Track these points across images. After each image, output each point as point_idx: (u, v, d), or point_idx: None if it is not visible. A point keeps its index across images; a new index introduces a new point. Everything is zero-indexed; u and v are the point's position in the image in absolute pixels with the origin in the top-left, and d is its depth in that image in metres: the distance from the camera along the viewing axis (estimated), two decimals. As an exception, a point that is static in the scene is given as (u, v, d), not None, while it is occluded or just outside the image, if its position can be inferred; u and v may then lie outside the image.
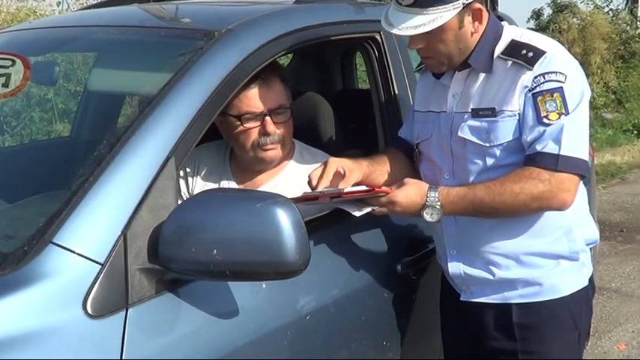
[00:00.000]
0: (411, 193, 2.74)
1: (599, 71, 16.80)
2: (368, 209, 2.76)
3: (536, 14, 19.10)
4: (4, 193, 3.15)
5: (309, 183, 2.80)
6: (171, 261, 2.25)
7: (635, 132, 15.53)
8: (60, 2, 10.80)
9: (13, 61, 3.12)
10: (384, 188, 2.76)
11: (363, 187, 2.76)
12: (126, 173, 2.31)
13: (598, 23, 17.33)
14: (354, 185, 2.79)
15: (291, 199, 2.72)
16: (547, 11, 18.76)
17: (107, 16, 3.61)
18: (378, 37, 3.44)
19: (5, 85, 3.06)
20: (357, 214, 2.75)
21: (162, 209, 2.31)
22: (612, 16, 18.91)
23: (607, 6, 19.03)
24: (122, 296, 2.20)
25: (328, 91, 4.69)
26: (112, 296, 2.17)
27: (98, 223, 2.22)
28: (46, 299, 2.08)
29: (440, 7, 2.66)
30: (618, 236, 8.61)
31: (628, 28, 18.86)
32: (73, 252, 2.15)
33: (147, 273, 2.26)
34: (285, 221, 2.19)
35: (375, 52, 3.46)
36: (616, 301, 6.84)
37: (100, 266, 2.16)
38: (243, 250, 2.20)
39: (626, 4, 21.14)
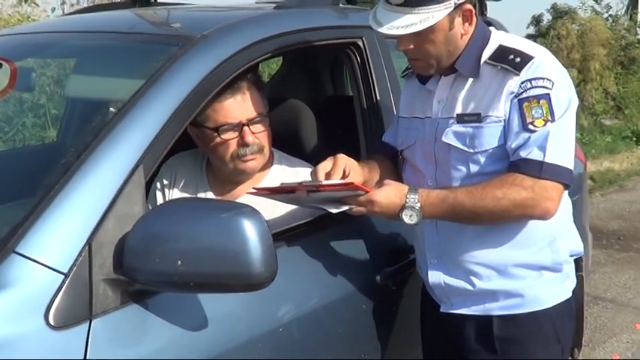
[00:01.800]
0: (390, 193, 2.68)
1: (598, 77, 16.73)
2: (345, 207, 2.69)
3: (536, 20, 19.07)
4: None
5: (314, 175, 2.75)
6: (136, 272, 2.20)
7: (634, 139, 15.47)
8: (54, 8, 10.83)
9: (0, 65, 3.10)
10: (362, 185, 2.69)
11: (341, 181, 2.70)
12: (92, 181, 2.27)
13: (597, 29, 17.29)
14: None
15: (268, 188, 2.72)
16: (547, 17, 18.75)
17: (86, 22, 3.58)
18: (360, 43, 3.40)
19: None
20: (334, 211, 2.69)
21: (129, 219, 2.26)
22: (612, 22, 18.87)
23: (606, 12, 18.98)
24: (86, 307, 2.15)
25: (317, 98, 4.66)
26: (75, 307, 2.13)
27: (62, 232, 2.17)
28: (6, 309, 2.04)
29: (431, 7, 2.62)
30: (615, 244, 8.54)
31: (627, 34, 18.81)
32: (36, 261, 2.10)
33: (112, 284, 2.21)
34: (251, 232, 2.15)
35: (357, 58, 3.42)
36: (611, 311, 6.77)
37: (63, 276, 2.11)
38: (208, 262, 2.15)
39: (627, 10, 21.12)
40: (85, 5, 10.09)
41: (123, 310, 2.23)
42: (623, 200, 10.50)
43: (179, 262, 2.14)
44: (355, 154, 3.10)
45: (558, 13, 18.15)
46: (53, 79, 6.45)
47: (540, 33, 17.77)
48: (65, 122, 4.28)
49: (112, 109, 2.50)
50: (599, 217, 9.18)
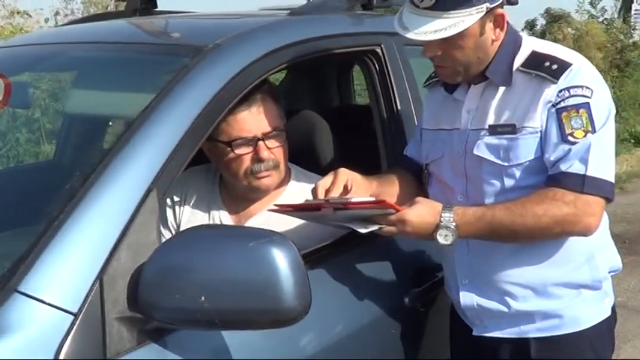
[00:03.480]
0: (423, 212, 2.51)
1: (595, 81, 16.75)
2: (375, 227, 2.51)
3: (530, 25, 19.13)
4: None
5: (314, 192, 2.60)
6: (153, 308, 2.01)
7: (633, 141, 15.57)
8: (47, 19, 10.71)
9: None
10: (393, 204, 2.51)
11: (372, 199, 2.54)
12: (102, 208, 2.07)
13: (593, 33, 17.42)
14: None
15: (292, 205, 2.55)
16: (541, 22, 18.81)
17: (86, 32, 3.40)
18: (378, 51, 3.24)
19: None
20: (363, 231, 2.51)
21: (144, 249, 2.07)
22: (607, 26, 18.94)
23: (602, 15, 19.05)
24: (99, 349, 1.96)
25: (325, 108, 4.50)
26: (87, 350, 1.93)
27: (70, 267, 1.97)
28: (12, 355, 1.82)
29: (462, 11, 2.46)
30: (621, 248, 8.26)
31: (622, 37, 18.89)
32: (42, 301, 1.90)
33: (126, 322, 2.02)
34: (282, 262, 1.96)
35: (375, 66, 3.26)
36: (622, 316, 6.52)
37: (72, 317, 1.92)
38: (235, 296, 1.96)
39: (619, 13, 21.21)
40: (80, 16, 9.99)
41: (139, 350, 2.04)
42: (625, 203, 10.42)
43: (202, 297, 1.95)
44: (376, 168, 2.97)
45: (552, 17, 18.24)
46: (47, 93, 6.29)
47: (535, 37, 17.76)
48: (64, 139, 4.08)
49: (120, 126, 2.31)
50: (603, 221, 8.97)
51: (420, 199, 2.57)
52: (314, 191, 2.60)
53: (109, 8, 10.81)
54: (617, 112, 11.30)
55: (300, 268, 2.00)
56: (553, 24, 17.89)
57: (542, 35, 17.77)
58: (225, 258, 2.00)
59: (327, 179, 2.61)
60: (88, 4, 11.64)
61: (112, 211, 2.08)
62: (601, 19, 19.12)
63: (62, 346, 1.88)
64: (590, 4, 18.82)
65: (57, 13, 11.00)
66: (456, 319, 2.92)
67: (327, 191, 2.57)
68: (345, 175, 2.62)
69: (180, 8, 4.07)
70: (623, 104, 17.00)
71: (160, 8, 3.99)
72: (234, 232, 2.29)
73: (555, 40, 16.74)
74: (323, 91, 4.85)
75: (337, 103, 4.85)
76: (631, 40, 19.18)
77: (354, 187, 2.62)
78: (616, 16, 20.59)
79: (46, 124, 6.69)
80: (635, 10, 20.30)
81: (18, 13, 10.33)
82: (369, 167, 3.06)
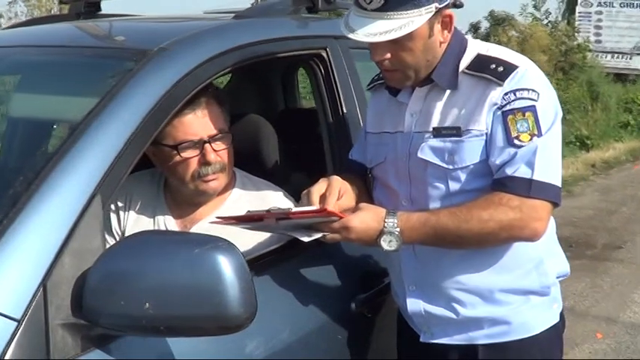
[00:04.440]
0: (367, 218, 2.48)
1: (540, 83, 16.89)
2: (319, 235, 2.48)
3: (474, 28, 19.21)
4: None
5: (306, 197, 2.56)
6: (98, 315, 1.98)
7: (578, 144, 15.65)
8: (-9, 21, 10.59)
9: None
10: (337, 211, 2.48)
11: (313, 207, 2.50)
12: (45, 214, 2.03)
13: (537, 35, 17.51)
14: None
15: (234, 217, 2.52)
16: (485, 24, 18.90)
17: (28, 36, 3.35)
18: (324, 54, 3.22)
19: None
20: (306, 239, 2.48)
21: (88, 254, 2.04)
22: (551, 28, 19.08)
23: (546, 18, 19.20)
24: (43, 356, 1.93)
25: (270, 112, 4.44)
26: (31, 356, 1.90)
27: (13, 273, 1.94)
28: (-49, 364, 1.80)
29: (411, 12, 2.42)
30: (567, 252, 8.36)
31: (567, 39, 19.04)
32: (-16, 308, 1.87)
33: (71, 328, 1.99)
34: (227, 268, 1.94)
35: (321, 70, 3.24)
36: (570, 321, 6.54)
37: (16, 323, 1.89)
38: (180, 303, 1.94)
39: (563, 15, 21.38)
40: (24, 19, 9.87)
41: (84, 356, 2.02)
42: (572, 206, 10.51)
43: (147, 304, 1.93)
44: (321, 172, 2.93)
45: (496, 20, 18.33)
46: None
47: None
48: (7, 144, 4.02)
49: (63, 130, 2.27)
50: (549, 225, 9.03)
51: (363, 205, 2.55)
52: (307, 196, 2.57)
53: (52, 11, 10.70)
54: (562, 115, 11.35)
55: (245, 274, 1.98)
56: (497, 27, 17.98)
57: (486, 38, 17.88)
58: (169, 264, 1.97)
59: (322, 185, 2.58)
60: (32, 8, 11.52)
61: (56, 216, 2.04)
62: (545, 21, 19.25)
63: (5, 353, 1.85)
64: (534, 7, 18.96)
65: (0, 16, 10.87)
66: (403, 325, 2.90)
67: (322, 197, 2.54)
68: (339, 182, 2.59)
69: (125, 12, 4.03)
70: (569, 107, 17.14)
71: (104, 12, 3.95)
72: (179, 238, 2.26)
73: (500, 44, 16.93)
74: (268, 95, 4.80)
75: (282, 107, 4.82)
76: (575, 43, 19.32)
77: (345, 195, 2.60)
78: (560, 18, 20.76)
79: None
80: (579, 12, 20.48)
81: (-40, 16, 10.20)
82: (314, 171, 3.06)
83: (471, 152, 2.52)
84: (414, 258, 2.69)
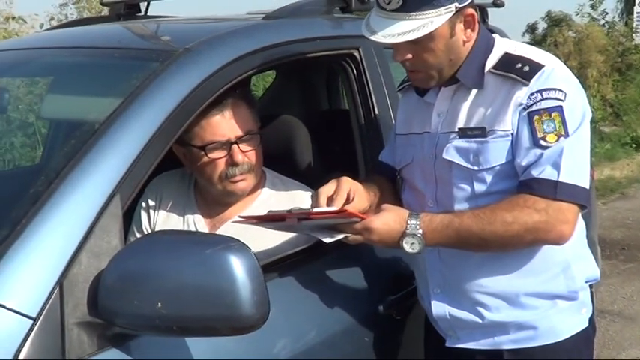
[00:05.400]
0: (389, 219, 2.46)
1: (595, 84, 16.76)
2: (341, 236, 2.48)
3: (531, 28, 19.08)
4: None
5: (315, 199, 2.54)
6: (114, 314, 2.00)
7: (634, 145, 15.43)
8: (42, 24, 10.68)
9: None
10: (358, 212, 2.47)
11: (334, 208, 2.48)
12: (64, 213, 2.06)
13: (594, 36, 17.32)
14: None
15: (256, 216, 2.52)
16: (542, 25, 18.74)
17: (62, 38, 3.40)
18: (356, 54, 3.21)
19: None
20: (328, 240, 2.47)
21: (105, 254, 2.06)
22: (608, 29, 18.85)
23: (602, 18, 18.97)
24: (58, 354, 1.95)
25: (312, 112, 4.48)
26: (46, 355, 1.92)
27: (30, 271, 1.96)
28: (-33, 361, 1.82)
29: (430, 12, 2.41)
30: (620, 254, 8.37)
31: (624, 40, 18.80)
32: (1, 306, 1.89)
33: (87, 327, 2.01)
34: (239, 269, 1.94)
35: (353, 71, 3.23)
36: (619, 324, 6.61)
37: (32, 321, 1.91)
38: (192, 303, 1.95)
39: (621, 17, 21.12)
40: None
41: (100, 355, 2.03)
42: (625, 208, 10.36)
43: (159, 303, 1.94)
44: (353, 174, 2.91)
45: (553, 20, 18.17)
46: (41, 98, 6.30)
47: (536, 41, 17.78)
48: (49, 144, 4.08)
49: (86, 131, 2.29)
50: (602, 227, 8.85)
51: (386, 206, 2.53)
52: (314, 197, 2.56)
53: (102, 13, 10.83)
54: (618, 116, 11.22)
55: (258, 275, 1.98)
56: (554, 27, 17.82)
57: (542, 39, 17.73)
58: (181, 264, 1.98)
59: (330, 187, 2.56)
60: (82, 10, 11.63)
61: (74, 215, 2.07)
62: (602, 22, 19.03)
63: (20, 350, 1.87)
64: (591, 7, 18.74)
65: (52, 19, 10.98)
66: (429, 329, 2.87)
67: (330, 199, 2.52)
68: (348, 184, 2.57)
69: (168, 14, 4.06)
70: (625, 108, 16.93)
71: (151, 14, 3.99)
72: (191, 238, 2.27)
73: (555, 44, 16.81)
74: (311, 95, 4.80)
75: (325, 107, 4.82)
76: (633, 43, 19.05)
77: (356, 196, 2.57)
78: (617, 18, 20.52)
79: (41, 128, 6.70)
80: (637, 12, 20.17)
81: (13, 18, 10.29)
82: (348, 173, 3.05)
83: (496, 153, 2.49)
84: (439, 260, 2.67)
